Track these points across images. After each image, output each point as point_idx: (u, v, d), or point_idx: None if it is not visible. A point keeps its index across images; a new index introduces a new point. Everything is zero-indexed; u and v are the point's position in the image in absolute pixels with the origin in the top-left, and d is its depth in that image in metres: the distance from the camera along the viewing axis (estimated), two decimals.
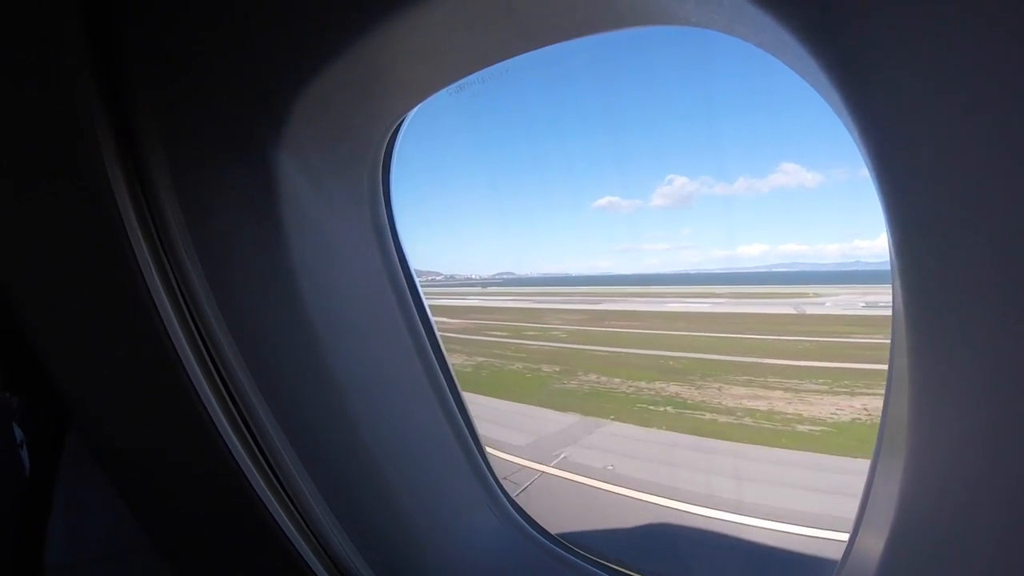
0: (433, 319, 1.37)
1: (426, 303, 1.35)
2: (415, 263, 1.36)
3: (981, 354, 0.62)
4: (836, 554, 1.02)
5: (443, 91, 1.14)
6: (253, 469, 1.13)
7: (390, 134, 1.22)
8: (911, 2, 0.58)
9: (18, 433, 1.09)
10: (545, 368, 12.52)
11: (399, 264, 1.32)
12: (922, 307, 0.66)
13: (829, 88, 0.68)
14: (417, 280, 1.35)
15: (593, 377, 11.59)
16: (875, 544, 0.80)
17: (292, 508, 1.17)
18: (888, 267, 0.80)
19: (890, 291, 0.80)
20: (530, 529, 1.47)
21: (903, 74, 0.61)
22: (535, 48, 1.10)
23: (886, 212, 0.66)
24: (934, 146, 0.60)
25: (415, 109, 1.18)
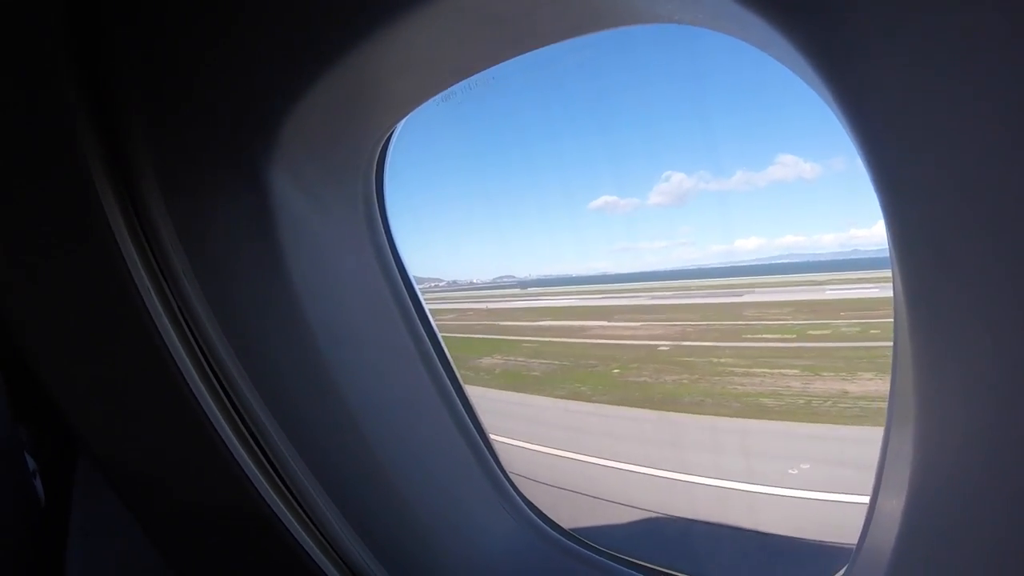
0: (435, 323, 1.38)
1: (427, 308, 1.37)
2: (415, 271, 1.37)
3: (978, 330, 0.64)
4: None
5: (433, 100, 1.15)
6: (266, 485, 1.13)
7: (382, 144, 1.23)
8: None
9: (30, 462, 1.10)
10: None
11: (397, 271, 1.33)
12: (920, 290, 0.69)
13: (818, 82, 0.69)
14: (416, 285, 1.36)
15: None
16: (895, 507, 0.83)
17: (309, 523, 1.18)
18: (883, 254, 0.82)
19: None
20: (547, 528, 1.48)
21: (890, 63, 0.62)
22: (521, 53, 1.11)
23: (881, 200, 0.67)
24: (926, 132, 0.62)
25: (405, 119, 1.19)
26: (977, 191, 0.60)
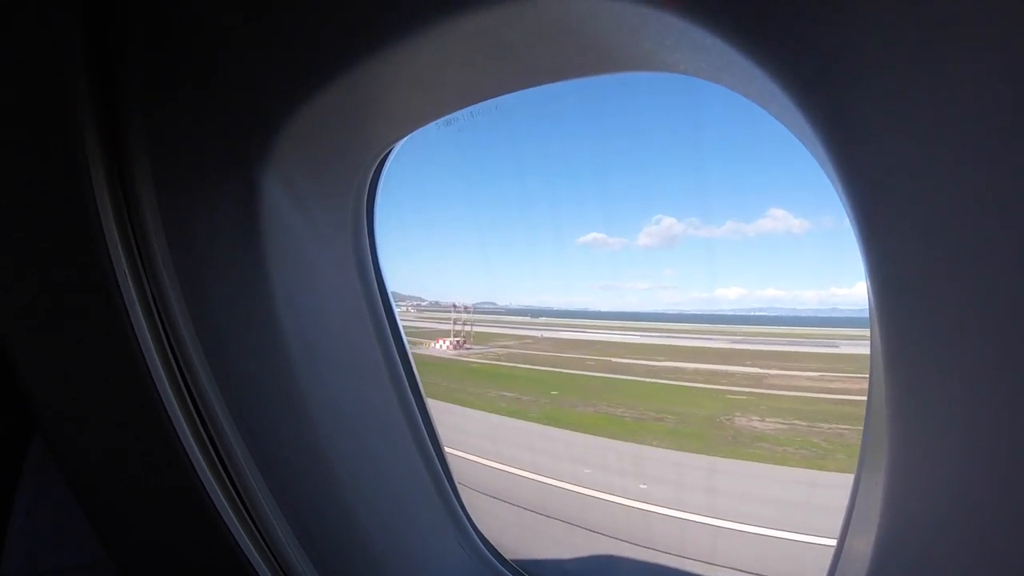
0: (409, 349, 1.36)
1: (403, 333, 1.34)
2: (398, 287, 1.35)
3: (951, 390, 0.67)
4: None
5: (432, 123, 1.14)
6: (219, 492, 1.11)
7: (377, 163, 1.22)
8: (898, 63, 0.61)
9: None
10: None
11: (379, 292, 1.32)
12: (898, 350, 0.72)
13: (814, 140, 0.71)
14: (396, 309, 1.34)
15: None
16: (864, 546, 0.86)
17: (257, 533, 1.15)
18: (863, 314, 0.91)
19: None
20: (497, 564, 1.44)
21: (887, 130, 0.63)
22: (527, 87, 1.10)
23: (865, 260, 0.70)
24: (912, 198, 0.64)
25: (403, 139, 1.19)
26: (958, 259, 0.62)
